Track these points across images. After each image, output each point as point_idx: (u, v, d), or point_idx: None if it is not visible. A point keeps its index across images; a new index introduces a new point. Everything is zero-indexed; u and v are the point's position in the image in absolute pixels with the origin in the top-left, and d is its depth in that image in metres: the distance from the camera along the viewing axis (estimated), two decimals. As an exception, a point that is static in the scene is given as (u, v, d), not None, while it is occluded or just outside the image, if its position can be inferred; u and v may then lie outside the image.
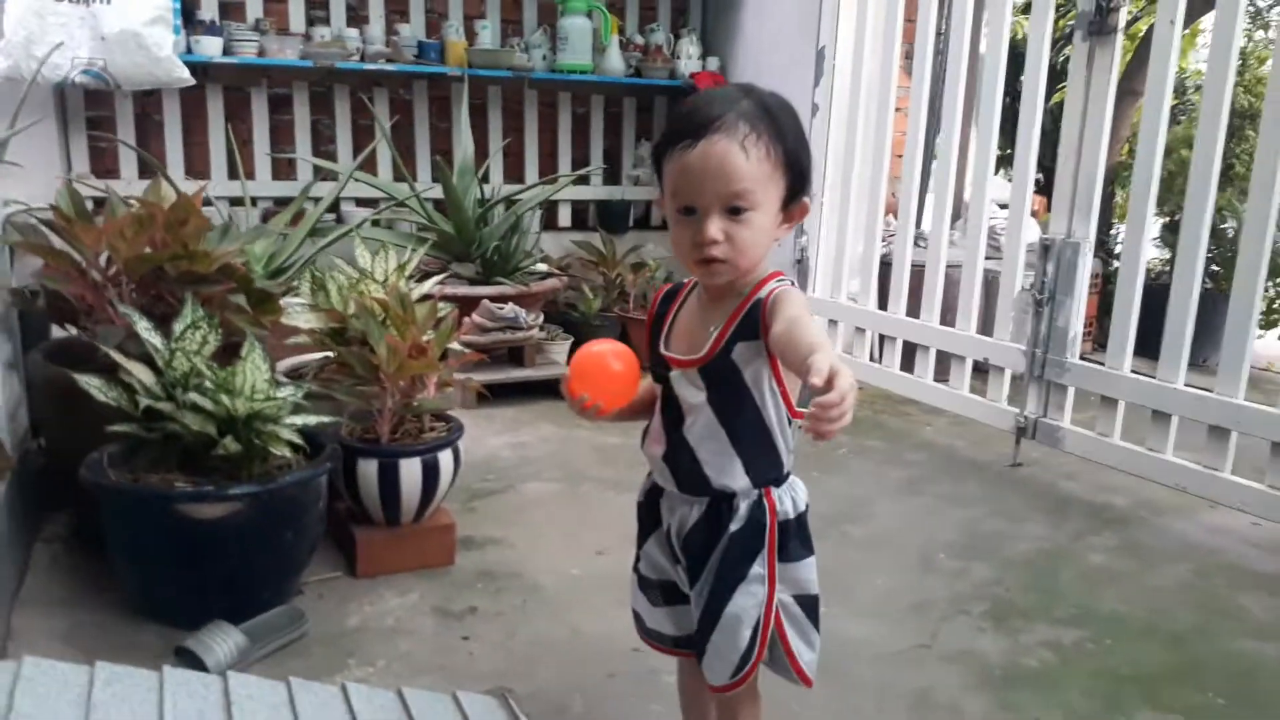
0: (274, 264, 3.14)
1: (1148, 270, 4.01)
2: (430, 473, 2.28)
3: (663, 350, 1.34)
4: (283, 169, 4.36)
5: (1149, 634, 2.19)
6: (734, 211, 1.19)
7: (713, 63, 4.73)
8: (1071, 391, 3.15)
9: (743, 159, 1.17)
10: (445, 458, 2.32)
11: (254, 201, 3.74)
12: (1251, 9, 5.16)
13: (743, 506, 1.30)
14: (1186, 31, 4.42)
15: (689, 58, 4.71)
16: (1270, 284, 4.57)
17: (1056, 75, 3.94)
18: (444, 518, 2.41)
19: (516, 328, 3.74)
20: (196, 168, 4.15)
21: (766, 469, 1.31)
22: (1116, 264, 4.78)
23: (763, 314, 1.22)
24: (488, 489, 2.90)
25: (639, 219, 5.00)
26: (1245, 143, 4.52)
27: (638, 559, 1.47)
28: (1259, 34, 5.22)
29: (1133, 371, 2.99)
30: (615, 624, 2.12)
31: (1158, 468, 2.90)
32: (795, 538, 1.34)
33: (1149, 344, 3.02)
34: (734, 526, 1.30)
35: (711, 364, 1.26)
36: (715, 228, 1.19)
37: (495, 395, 3.69)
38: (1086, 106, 3.02)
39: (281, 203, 4.05)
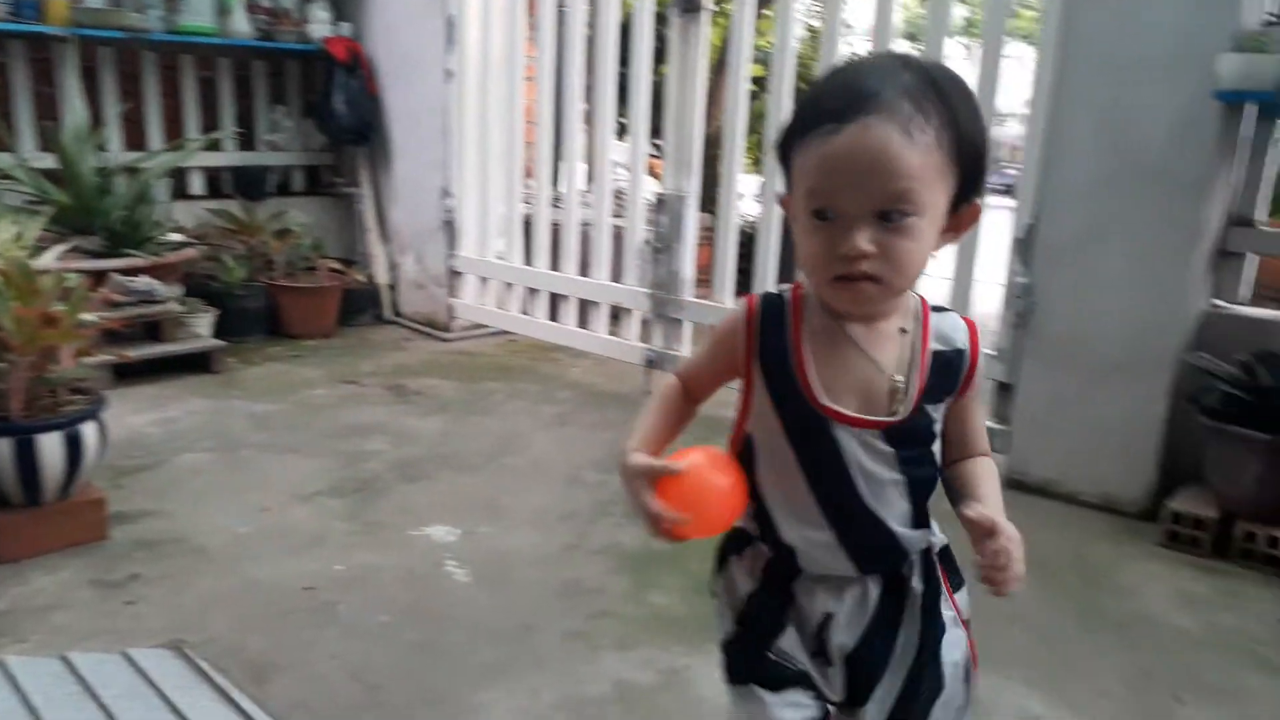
0: None
1: (750, 223, 4.64)
2: (73, 446, 2.22)
3: (824, 402, 1.01)
4: None
5: (752, 514, 2.67)
6: (889, 217, 0.92)
7: (345, 28, 4.72)
8: (688, 325, 3.64)
9: (907, 149, 0.90)
10: (89, 430, 2.26)
11: None
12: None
13: (917, 559, 1.09)
14: (771, 13, 5.06)
15: (319, 21, 4.66)
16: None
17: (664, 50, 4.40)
18: (92, 493, 2.35)
19: (152, 301, 3.59)
20: None
21: (925, 517, 1.08)
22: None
23: (969, 375, 1.05)
24: (135, 466, 2.81)
25: (280, 185, 4.90)
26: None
27: (762, 655, 1.10)
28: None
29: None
30: (287, 569, 2.24)
31: (759, 384, 3.44)
32: (953, 561, 1.12)
33: (750, 285, 3.56)
34: (917, 584, 1.08)
35: (904, 425, 1.01)
36: (864, 237, 0.92)
37: (134, 373, 3.53)
38: (684, 76, 3.47)
39: None
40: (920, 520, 1.06)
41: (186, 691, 1.72)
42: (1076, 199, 2.69)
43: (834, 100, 0.93)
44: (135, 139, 4.39)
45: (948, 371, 1.03)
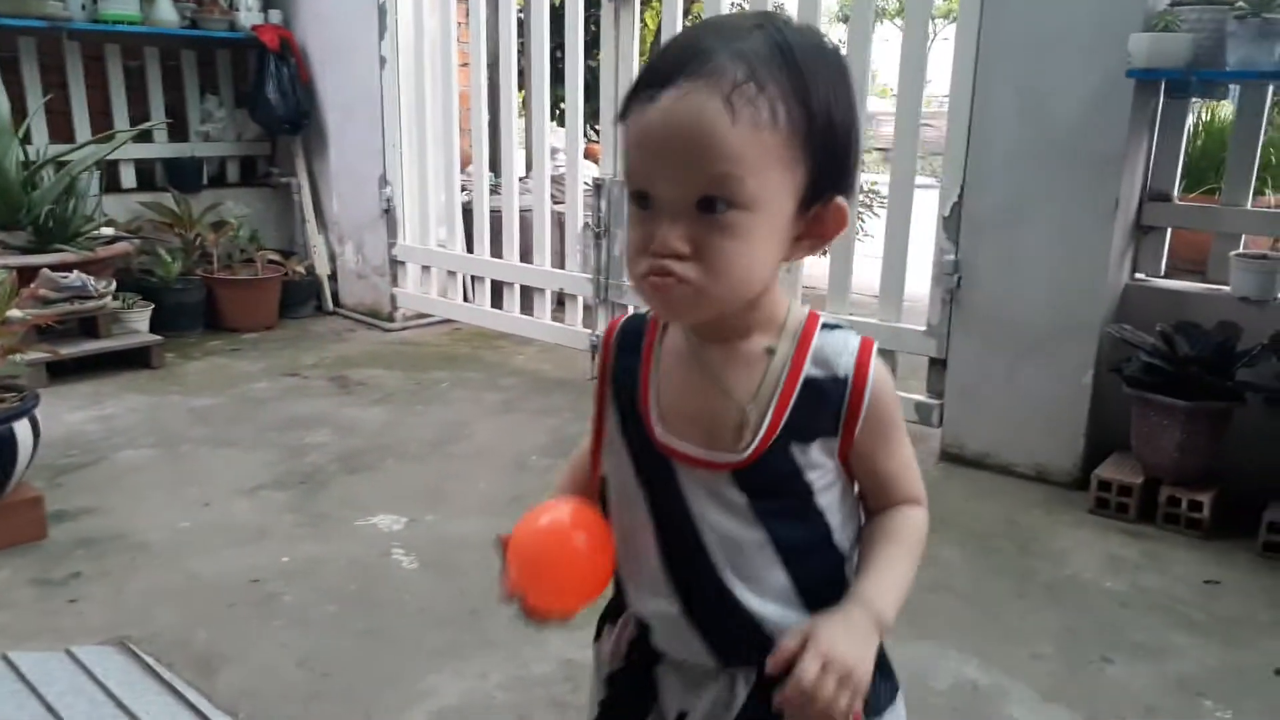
0: None
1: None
2: (6, 445, 2.18)
3: (658, 436, 0.85)
4: None
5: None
6: (710, 207, 0.74)
7: (275, 15, 4.64)
8: (631, 310, 3.65)
9: (727, 123, 0.72)
10: (22, 429, 2.22)
11: None
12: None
13: None
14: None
15: (248, 9, 4.58)
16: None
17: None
18: (29, 492, 2.31)
19: (86, 297, 3.52)
20: None
21: (831, 597, 0.83)
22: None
23: (851, 407, 0.82)
24: (73, 464, 2.77)
25: (214, 176, 4.82)
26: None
27: None
28: None
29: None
30: (231, 563, 2.23)
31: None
32: (877, 673, 0.82)
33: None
34: None
35: (757, 468, 0.82)
36: (676, 233, 0.74)
37: (70, 370, 3.47)
38: (617, 61, 3.49)
39: None
40: (814, 601, 0.83)
41: (131, 687, 1.71)
42: (1000, 176, 2.77)
43: (660, 62, 0.76)
44: (62, 131, 4.29)
45: (821, 403, 0.82)
